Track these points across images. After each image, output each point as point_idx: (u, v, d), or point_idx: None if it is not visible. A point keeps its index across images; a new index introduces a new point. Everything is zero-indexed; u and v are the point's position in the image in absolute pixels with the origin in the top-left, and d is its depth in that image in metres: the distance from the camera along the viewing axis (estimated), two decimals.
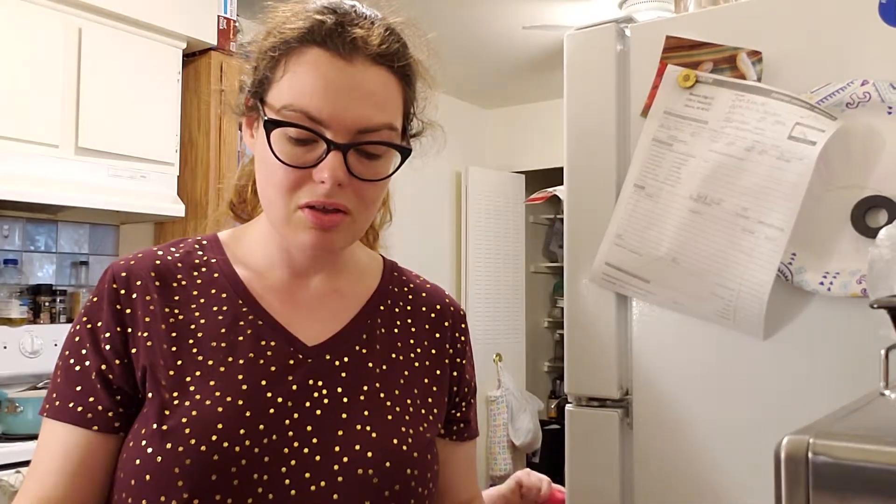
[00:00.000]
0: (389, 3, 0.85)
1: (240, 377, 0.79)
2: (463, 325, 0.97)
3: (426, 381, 0.89)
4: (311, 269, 0.89)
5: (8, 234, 2.57)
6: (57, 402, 0.81)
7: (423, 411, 0.87)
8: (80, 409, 0.80)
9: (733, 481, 1.14)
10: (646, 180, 1.22)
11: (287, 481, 0.76)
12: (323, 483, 0.77)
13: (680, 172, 1.19)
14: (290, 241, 0.82)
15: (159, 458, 0.74)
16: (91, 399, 0.80)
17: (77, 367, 0.81)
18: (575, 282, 1.31)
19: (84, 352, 0.81)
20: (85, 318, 0.83)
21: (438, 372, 0.91)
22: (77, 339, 0.83)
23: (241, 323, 0.83)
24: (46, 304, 2.56)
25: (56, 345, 2.43)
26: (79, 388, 0.80)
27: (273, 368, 0.81)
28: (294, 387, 0.80)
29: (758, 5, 1.19)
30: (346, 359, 0.84)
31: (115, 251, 2.87)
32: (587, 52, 1.32)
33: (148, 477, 0.74)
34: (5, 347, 2.37)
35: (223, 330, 0.82)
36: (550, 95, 4.68)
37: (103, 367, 0.80)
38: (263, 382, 0.79)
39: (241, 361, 0.80)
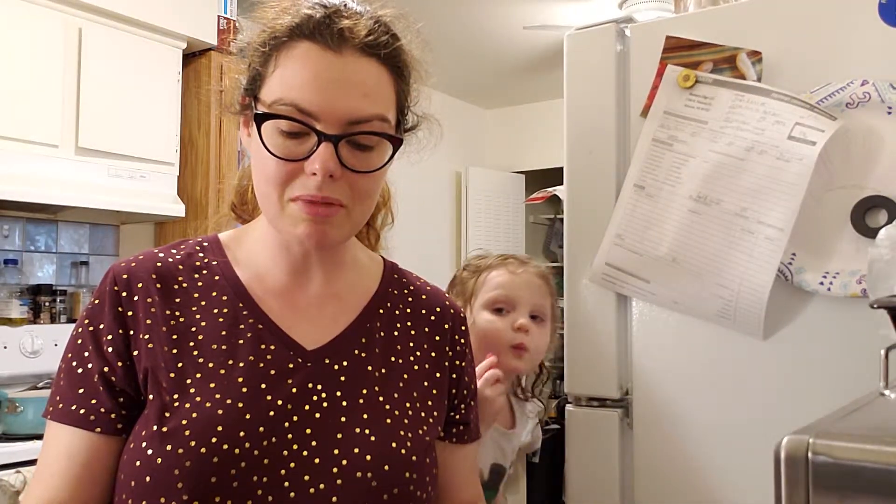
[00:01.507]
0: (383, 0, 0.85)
1: (240, 380, 0.79)
2: (463, 328, 0.97)
3: (426, 384, 0.89)
4: (310, 270, 0.88)
5: (8, 234, 2.57)
6: (60, 405, 0.81)
7: (422, 414, 0.86)
8: (82, 411, 0.80)
9: (733, 481, 1.14)
10: (646, 180, 1.22)
11: (286, 483, 0.76)
12: (322, 486, 0.76)
13: (680, 172, 1.18)
14: (286, 235, 0.82)
15: (159, 460, 0.74)
16: (94, 401, 0.80)
17: (80, 370, 0.81)
18: (575, 282, 1.31)
19: (86, 354, 0.81)
20: (87, 321, 0.83)
21: (438, 375, 0.90)
22: (79, 341, 0.83)
23: (242, 326, 0.83)
24: (47, 304, 2.56)
25: (56, 345, 2.43)
26: (81, 391, 0.80)
27: (273, 372, 0.80)
28: (294, 390, 0.80)
29: (758, 5, 1.19)
30: (345, 363, 0.84)
31: (115, 251, 2.86)
32: (587, 52, 1.32)
33: (148, 478, 0.74)
34: (5, 347, 2.36)
35: (224, 332, 0.82)
36: (550, 95, 4.68)
37: (105, 369, 0.80)
38: (263, 386, 0.79)
39: (241, 364, 0.80)
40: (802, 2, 1.15)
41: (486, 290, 1.29)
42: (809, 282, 1.08)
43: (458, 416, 0.94)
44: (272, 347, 0.82)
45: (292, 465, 0.77)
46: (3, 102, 2.23)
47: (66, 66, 2.38)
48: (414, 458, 0.81)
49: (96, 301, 0.83)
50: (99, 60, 2.45)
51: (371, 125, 0.79)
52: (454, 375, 0.93)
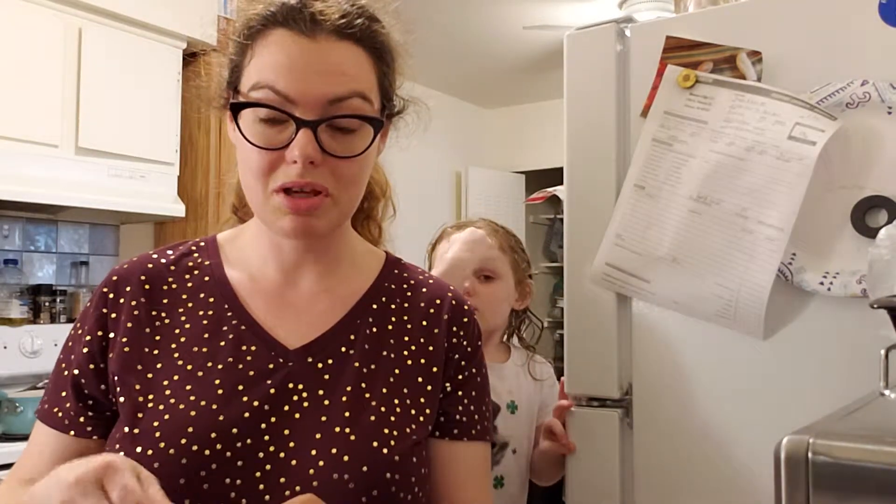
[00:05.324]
0: None
1: (217, 382, 0.79)
2: (465, 320, 0.92)
3: (419, 379, 0.86)
4: (303, 267, 0.87)
5: (8, 234, 2.57)
6: (45, 406, 0.83)
7: (412, 412, 0.83)
8: (60, 414, 0.82)
9: (733, 481, 1.14)
10: (646, 180, 1.22)
11: (261, 486, 0.74)
12: (298, 488, 0.74)
13: (680, 172, 1.18)
14: (272, 228, 0.82)
15: None
16: (68, 405, 0.82)
17: (65, 372, 0.83)
18: (575, 282, 1.31)
19: (73, 357, 0.83)
20: (78, 324, 0.85)
21: (435, 369, 0.87)
22: (69, 343, 0.85)
23: (225, 328, 0.83)
24: (46, 304, 2.56)
25: (56, 345, 2.43)
26: (63, 394, 0.82)
27: (251, 373, 0.80)
28: (272, 390, 0.79)
29: (758, 5, 1.19)
30: (329, 360, 0.83)
31: (115, 251, 2.86)
32: (587, 52, 1.32)
33: None
34: (5, 347, 2.37)
35: (206, 335, 0.82)
36: (550, 95, 4.69)
37: (76, 372, 0.82)
38: (241, 387, 0.78)
39: (220, 367, 0.80)
40: (802, 2, 1.15)
41: (437, 268, 1.34)
42: (809, 282, 1.08)
43: (454, 413, 0.89)
44: (253, 348, 0.81)
45: (268, 466, 0.75)
46: (3, 102, 2.23)
47: (66, 66, 2.38)
48: (397, 457, 0.78)
49: (89, 304, 0.86)
50: (99, 60, 2.45)
51: (350, 103, 0.77)
52: (452, 369, 0.89)
